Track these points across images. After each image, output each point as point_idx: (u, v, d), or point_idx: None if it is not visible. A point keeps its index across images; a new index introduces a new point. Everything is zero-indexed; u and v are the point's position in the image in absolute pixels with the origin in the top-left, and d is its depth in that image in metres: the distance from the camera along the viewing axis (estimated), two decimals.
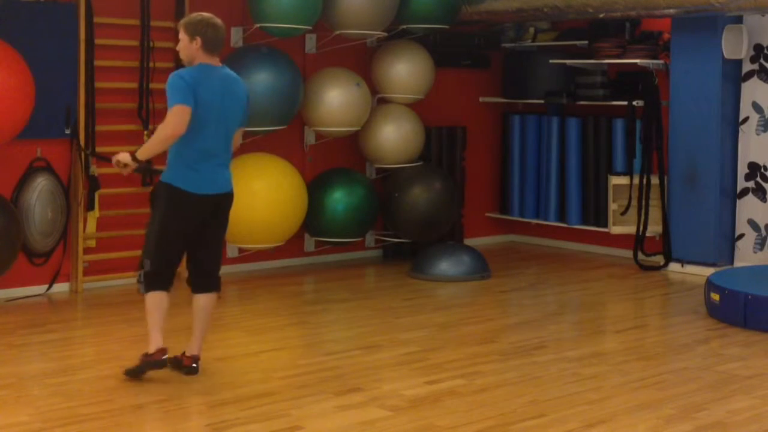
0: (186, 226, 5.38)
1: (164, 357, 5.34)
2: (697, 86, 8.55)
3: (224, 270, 8.32)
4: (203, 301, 5.56)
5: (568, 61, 9.45)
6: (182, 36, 5.32)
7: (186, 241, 5.45)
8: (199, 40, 5.28)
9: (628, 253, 9.10)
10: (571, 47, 9.63)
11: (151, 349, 5.33)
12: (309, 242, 8.86)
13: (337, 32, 8.44)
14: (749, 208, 8.51)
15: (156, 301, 5.42)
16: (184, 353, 5.50)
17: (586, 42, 9.36)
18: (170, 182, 5.31)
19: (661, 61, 8.82)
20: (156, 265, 5.41)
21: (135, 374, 5.33)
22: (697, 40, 8.52)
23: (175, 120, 5.15)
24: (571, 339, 6.59)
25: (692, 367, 5.79)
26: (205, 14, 5.38)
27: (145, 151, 5.29)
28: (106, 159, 6.98)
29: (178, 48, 5.41)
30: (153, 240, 5.39)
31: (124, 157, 5.33)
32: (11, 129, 6.88)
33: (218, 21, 5.38)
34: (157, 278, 5.43)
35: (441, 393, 5.21)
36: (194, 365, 5.45)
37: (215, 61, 5.38)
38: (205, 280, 5.56)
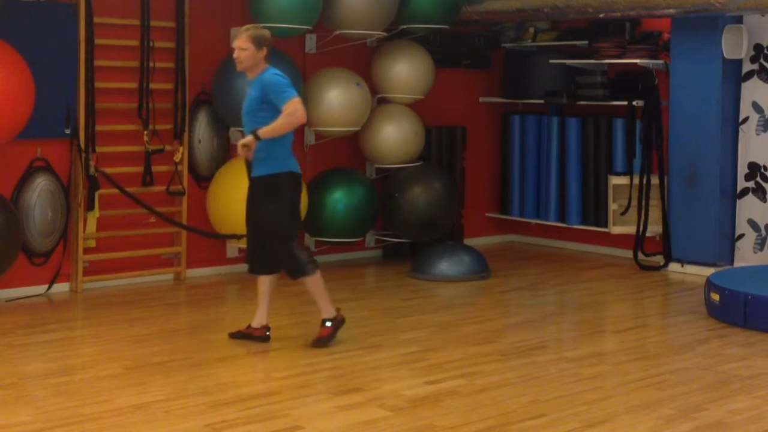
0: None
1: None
2: (697, 86, 8.55)
3: (224, 270, 8.42)
4: (275, 280, 6.29)
5: (568, 61, 9.45)
6: (248, 45, 5.93)
7: None
8: (265, 50, 5.98)
9: (628, 253, 9.10)
10: (571, 47, 9.63)
11: (331, 314, 6.11)
12: (309, 242, 8.86)
13: (337, 32, 8.44)
14: (749, 208, 8.52)
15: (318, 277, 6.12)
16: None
17: (586, 42, 9.37)
18: (291, 169, 6.01)
19: (661, 61, 8.82)
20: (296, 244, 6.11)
21: (325, 343, 6.08)
22: (697, 40, 8.52)
23: (303, 109, 5.90)
24: (571, 339, 6.59)
25: (692, 367, 5.79)
26: (264, 28, 6.15)
27: (268, 133, 5.85)
28: (107, 177, 7.51)
29: (239, 55, 5.95)
30: (287, 224, 6.01)
31: (248, 139, 5.83)
32: (11, 129, 6.88)
33: None
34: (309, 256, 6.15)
35: (441, 393, 5.21)
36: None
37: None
38: None
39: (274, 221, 5.97)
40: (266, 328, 6.19)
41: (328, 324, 6.12)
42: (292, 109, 5.85)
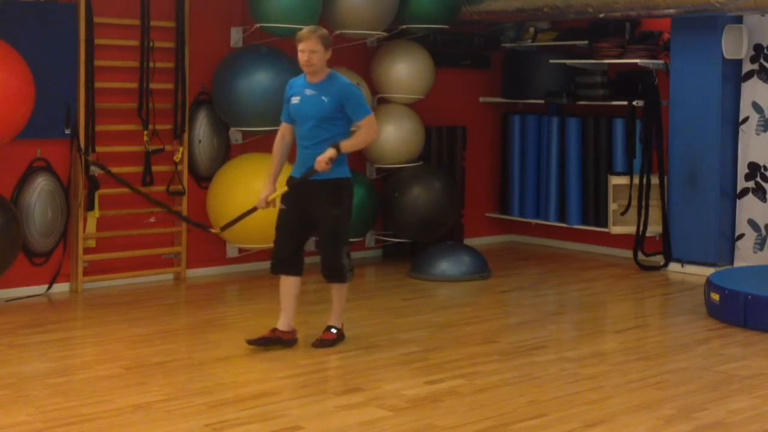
0: None
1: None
2: (697, 86, 8.55)
3: (224, 270, 8.42)
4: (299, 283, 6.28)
5: (568, 61, 9.45)
6: (318, 47, 5.88)
7: None
8: (330, 51, 6.00)
9: (628, 253, 9.10)
10: (571, 47, 9.63)
11: (339, 324, 6.21)
12: (309, 242, 8.83)
13: (337, 32, 8.43)
14: (749, 208, 8.51)
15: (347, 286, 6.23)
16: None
17: (586, 42, 9.36)
18: (351, 176, 6.10)
19: (661, 61, 8.82)
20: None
21: (326, 345, 6.11)
22: (697, 40, 8.52)
23: (377, 127, 6.10)
24: (571, 339, 6.59)
25: (692, 367, 5.79)
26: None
27: (350, 147, 5.97)
28: (107, 171, 7.46)
29: (311, 58, 5.88)
30: (348, 228, 6.11)
31: (332, 153, 5.86)
32: (11, 129, 6.88)
33: None
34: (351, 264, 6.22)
35: (441, 393, 5.21)
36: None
37: None
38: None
39: (338, 224, 6.00)
40: (295, 331, 6.13)
41: (334, 331, 6.16)
42: (374, 128, 6.04)
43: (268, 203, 6.12)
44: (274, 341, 6.01)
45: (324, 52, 5.91)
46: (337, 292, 6.15)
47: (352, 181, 6.10)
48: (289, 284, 6.09)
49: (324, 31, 5.97)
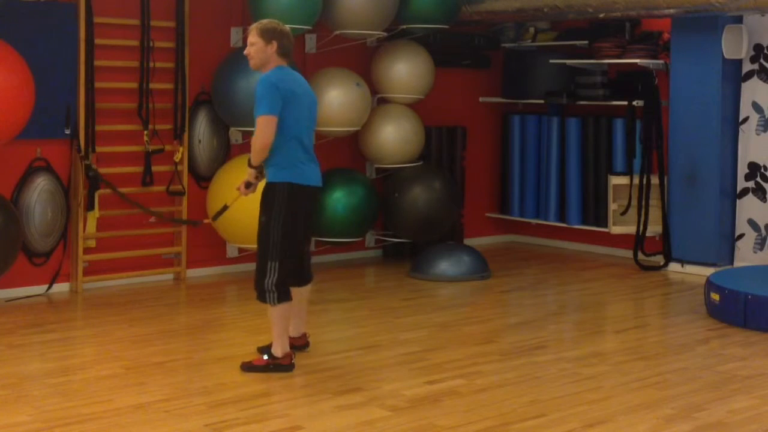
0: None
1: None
2: (697, 86, 8.55)
3: (224, 270, 8.42)
4: (307, 290, 6.00)
5: (568, 61, 9.45)
6: (257, 39, 5.54)
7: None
8: (275, 44, 5.57)
9: (628, 253, 9.10)
10: (571, 47, 9.63)
11: (279, 351, 5.61)
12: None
13: (337, 32, 8.44)
14: (749, 208, 8.51)
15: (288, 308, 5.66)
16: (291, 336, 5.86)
17: (586, 42, 9.36)
18: (288, 180, 5.60)
19: (661, 61, 8.82)
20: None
21: (251, 370, 5.57)
22: (697, 40, 8.52)
23: (267, 131, 5.48)
24: (571, 339, 6.59)
25: (692, 367, 5.79)
26: (277, 21, 5.74)
27: (252, 158, 5.61)
28: (107, 183, 7.48)
29: (248, 51, 5.58)
30: (275, 241, 5.58)
31: (247, 173, 5.66)
32: (11, 129, 6.88)
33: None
34: None
35: (441, 393, 5.21)
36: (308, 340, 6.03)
37: None
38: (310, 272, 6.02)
39: (262, 233, 5.59)
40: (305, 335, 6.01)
41: (265, 357, 5.60)
42: (262, 131, 5.42)
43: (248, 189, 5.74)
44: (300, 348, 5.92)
45: (264, 45, 5.52)
46: (270, 314, 5.60)
47: (288, 186, 5.50)
48: (306, 291, 5.98)
49: (267, 23, 5.59)
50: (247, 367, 5.57)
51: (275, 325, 5.55)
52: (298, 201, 5.55)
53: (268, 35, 5.54)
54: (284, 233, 5.49)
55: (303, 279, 5.89)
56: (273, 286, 5.48)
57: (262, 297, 5.55)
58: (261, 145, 5.45)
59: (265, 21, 5.67)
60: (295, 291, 5.72)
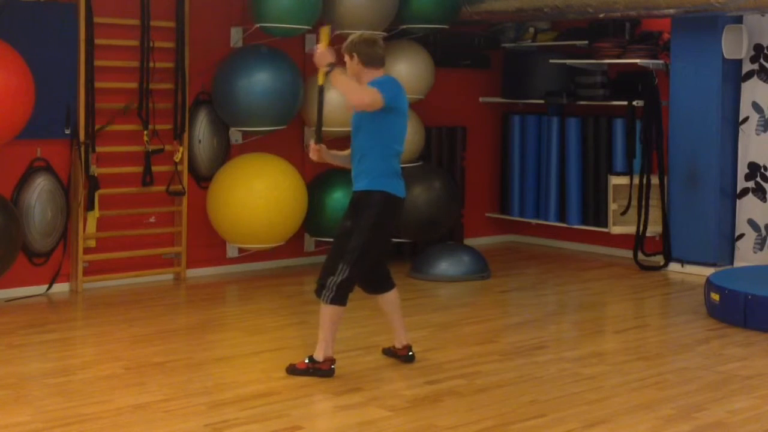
0: None
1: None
2: (697, 86, 8.55)
3: (224, 270, 8.42)
4: (393, 297, 5.89)
5: (568, 61, 9.45)
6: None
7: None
8: (356, 57, 5.60)
9: (628, 253, 9.10)
10: (571, 47, 9.63)
11: (320, 355, 5.49)
12: (309, 242, 8.86)
13: (338, 32, 8.43)
14: (749, 208, 8.51)
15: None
16: (394, 346, 5.82)
17: (586, 42, 9.36)
18: (382, 189, 5.71)
19: (661, 61, 8.82)
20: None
21: (294, 373, 5.47)
22: (697, 40, 8.52)
23: (368, 99, 5.47)
24: (571, 339, 6.59)
25: (692, 367, 5.79)
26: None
27: (336, 78, 5.51)
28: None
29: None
30: (356, 247, 5.52)
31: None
32: (11, 129, 6.88)
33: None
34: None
35: (441, 393, 5.21)
36: (411, 353, 5.80)
37: None
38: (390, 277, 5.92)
39: (343, 236, 5.61)
40: (408, 347, 5.81)
41: (306, 360, 5.53)
42: (365, 94, 5.46)
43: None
44: (394, 355, 5.86)
45: (348, 60, 5.59)
46: (321, 313, 5.52)
47: (385, 196, 5.58)
48: (379, 302, 5.89)
49: (350, 37, 5.64)
50: (291, 370, 5.49)
51: (322, 327, 5.47)
52: (390, 211, 5.60)
53: (347, 50, 5.58)
54: (366, 241, 5.46)
55: (380, 286, 5.82)
56: (335, 285, 5.42)
57: (319, 291, 5.47)
58: (358, 99, 5.41)
59: (352, 35, 5.64)
60: (381, 301, 5.81)
